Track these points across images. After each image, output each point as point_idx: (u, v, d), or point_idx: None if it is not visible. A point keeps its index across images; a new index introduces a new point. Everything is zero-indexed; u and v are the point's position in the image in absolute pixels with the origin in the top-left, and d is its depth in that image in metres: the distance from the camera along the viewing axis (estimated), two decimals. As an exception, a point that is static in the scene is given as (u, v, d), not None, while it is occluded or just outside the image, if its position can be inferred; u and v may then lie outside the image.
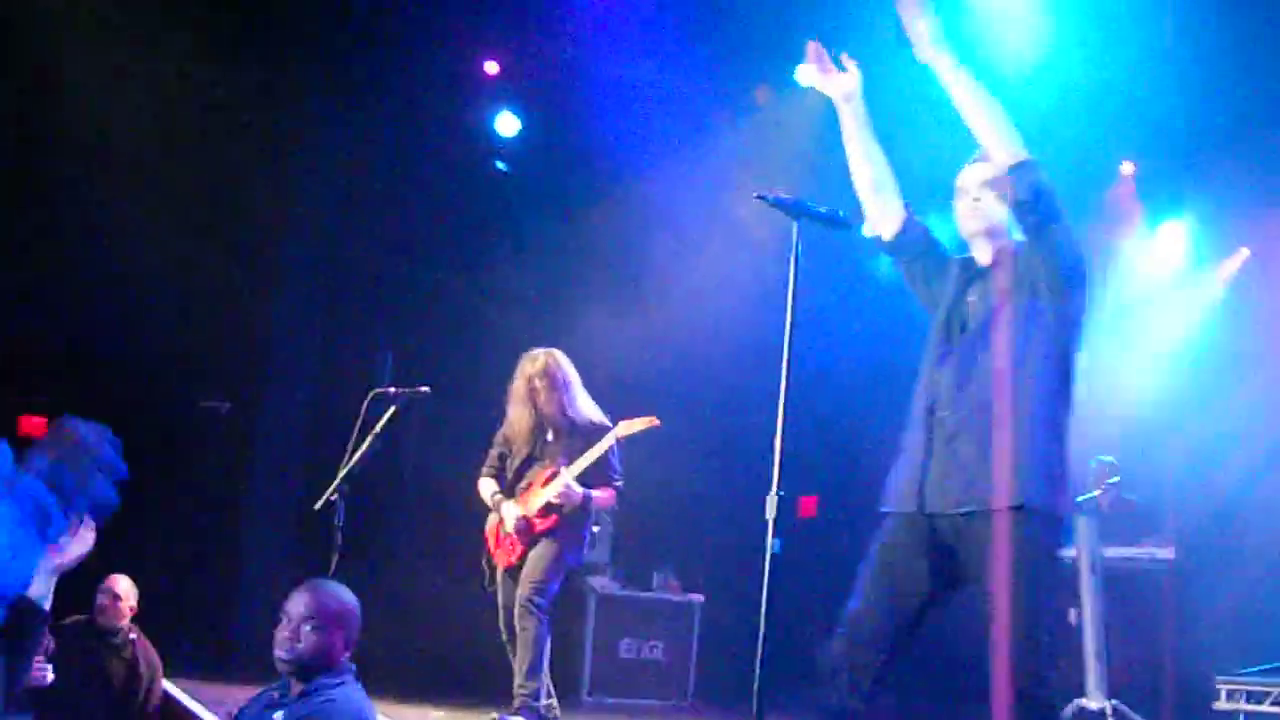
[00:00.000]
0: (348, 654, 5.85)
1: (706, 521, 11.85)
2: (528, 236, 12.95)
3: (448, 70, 12.46)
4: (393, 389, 8.90)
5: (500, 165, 13.04)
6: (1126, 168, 13.19)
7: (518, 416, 9.29)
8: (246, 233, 12.12)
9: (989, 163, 5.99)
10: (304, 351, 12.75)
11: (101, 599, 9.34)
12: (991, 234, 6.04)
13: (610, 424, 9.14)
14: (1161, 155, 12.46)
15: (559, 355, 9.31)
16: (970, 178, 6.08)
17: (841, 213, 6.22)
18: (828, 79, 6.25)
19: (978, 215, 6.04)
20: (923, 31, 5.92)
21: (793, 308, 5.93)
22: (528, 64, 12.53)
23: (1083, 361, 5.89)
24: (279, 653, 5.73)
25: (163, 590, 10.58)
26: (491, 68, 12.54)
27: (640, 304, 12.35)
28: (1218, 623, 10.75)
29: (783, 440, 5.91)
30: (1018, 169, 5.83)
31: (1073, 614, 10.15)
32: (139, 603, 9.50)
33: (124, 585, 9.40)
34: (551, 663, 8.97)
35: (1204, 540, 11.04)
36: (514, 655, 8.92)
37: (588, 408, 9.26)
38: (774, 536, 5.83)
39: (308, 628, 5.68)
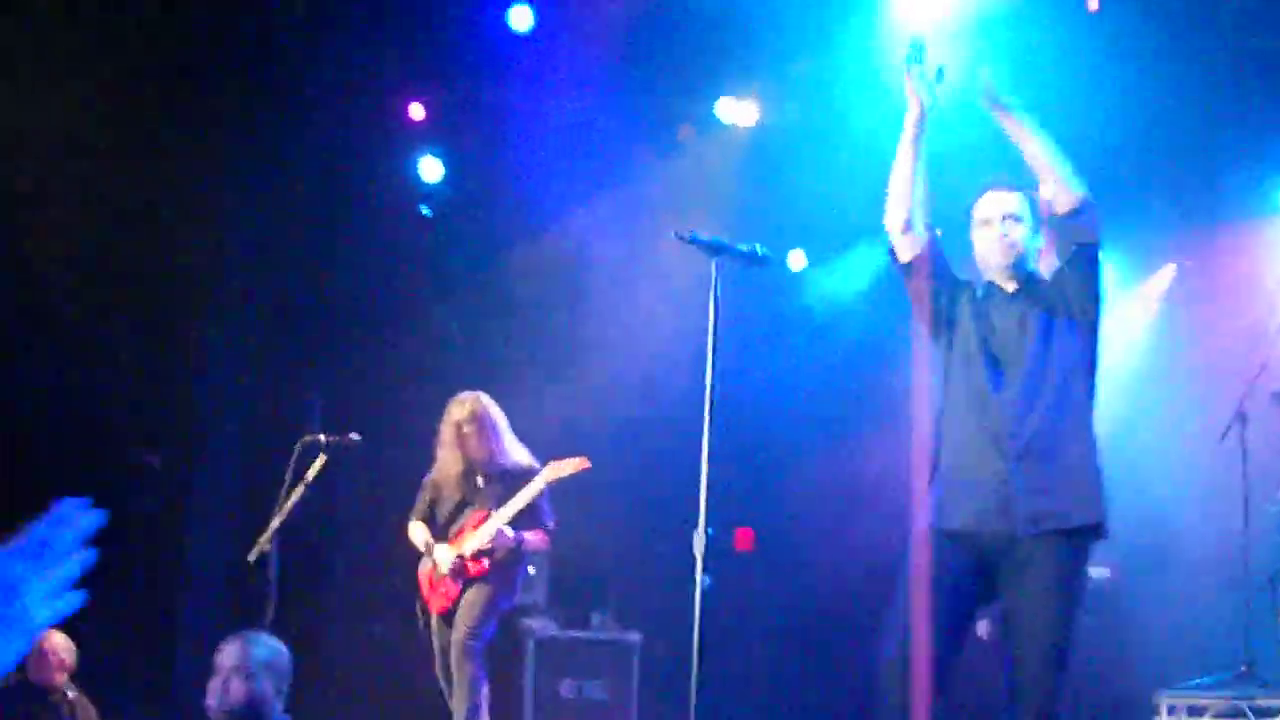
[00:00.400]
0: (281, 703, 5.84)
1: (644, 559, 11.84)
2: (455, 281, 12.92)
3: (373, 115, 12.43)
4: (323, 436, 8.89)
5: (425, 210, 13.01)
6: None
7: (446, 462, 9.29)
8: (173, 281, 12.05)
9: (1011, 192, 6.24)
10: (234, 401, 12.68)
11: (28, 658, 9.29)
12: (1019, 264, 6.21)
13: (540, 467, 9.14)
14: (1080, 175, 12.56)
15: (486, 399, 9.32)
16: (994, 209, 6.23)
17: (761, 250, 6.27)
18: (917, 83, 6.27)
19: (1007, 248, 6.20)
20: (985, 81, 6.11)
21: (714, 345, 5.97)
22: (452, 108, 12.52)
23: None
24: (209, 703, 5.76)
25: (100, 647, 10.51)
26: (416, 112, 12.51)
27: (569, 345, 12.34)
28: (1154, 638, 10.84)
29: (710, 477, 5.95)
30: (1085, 211, 6.11)
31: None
32: (78, 660, 9.46)
33: (53, 642, 9.33)
34: (492, 706, 8.97)
35: (1139, 557, 11.10)
36: (452, 700, 8.92)
37: (516, 451, 9.26)
38: (704, 572, 5.86)
39: (237, 678, 5.69)
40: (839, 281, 12.68)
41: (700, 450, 5.99)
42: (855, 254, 12.67)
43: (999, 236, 6.17)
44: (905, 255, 6.27)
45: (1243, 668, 10.01)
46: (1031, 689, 5.81)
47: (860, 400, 12.28)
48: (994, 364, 6.04)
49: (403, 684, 10.90)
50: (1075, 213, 6.08)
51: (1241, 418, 10.41)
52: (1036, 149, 6.08)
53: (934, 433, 6.22)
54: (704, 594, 5.84)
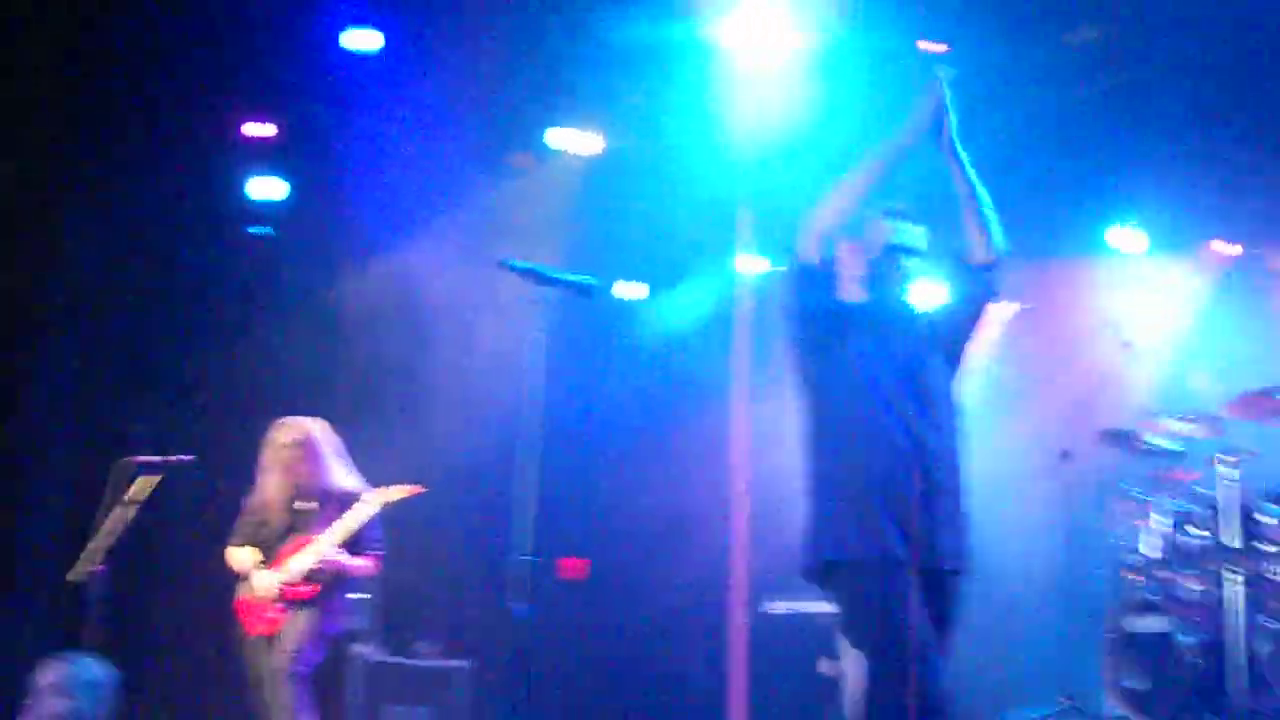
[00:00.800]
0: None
1: (474, 586, 11.80)
2: (291, 304, 12.81)
3: (210, 134, 12.29)
4: (153, 458, 8.78)
5: (263, 230, 12.89)
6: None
7: (272, 485, 9.20)
8: (1, 298, 11.88)
9: (918, 227, 6.25)
10: (63, 422, 12.51)
11: None
12: (908, 292, 6.22)
13: (369, 491, 9.08)
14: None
15: (315, 423, 9.25)
16: (911, 238, 6.23)
17: (585, 279, 6.27)
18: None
19: (905, 277, 6.19)
20: (948, 129, 6.13)
21: (540, 371, 5.97)
22: (295, 127, 12.40)
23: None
24: (25, 721, 5.67)
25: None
26: (256, 131, 12.36)
27: (403, 371, 12.29)
28: (979, 672, 10.92)
29: (542, 505, 5.95)
30: (997, 268, 6.20)
31: (826, 665, 10.28)
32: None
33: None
34: (317, 733, 8.88)
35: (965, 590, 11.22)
36: (273, 727, 8.81)
37: (345, 477, 9.20)
38: (523, 600, 5.86)
39: (55, 696, 5.63)
40: (676, 312, 12.73)
41: (530, 477, 5.99)
42: (692, 285, 12.73)
43: (905, 261, 6.19)
44: (813, 258, 6.15)
45: (1065, 701, 10.14)
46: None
47: (694, 430, 12.33)
48: (907, 388, 6.00)
49: (232, 709, 10.80)
50: (989, 266, 6.17)
51: (1065, 454, 10.55)
52: (975, 199, 6.15)
53: (823, 453, 6.07)
54: (523, 621, 5.83)
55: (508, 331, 10.42)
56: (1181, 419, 10.39)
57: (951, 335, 6.21)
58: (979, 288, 6.23)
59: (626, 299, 12.91)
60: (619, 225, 12.09)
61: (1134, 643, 9.99)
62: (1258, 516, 9.75)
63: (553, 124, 12.11)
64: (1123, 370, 11.35)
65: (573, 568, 11.76)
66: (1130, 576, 10.26)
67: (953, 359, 6.20)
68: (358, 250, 12.47)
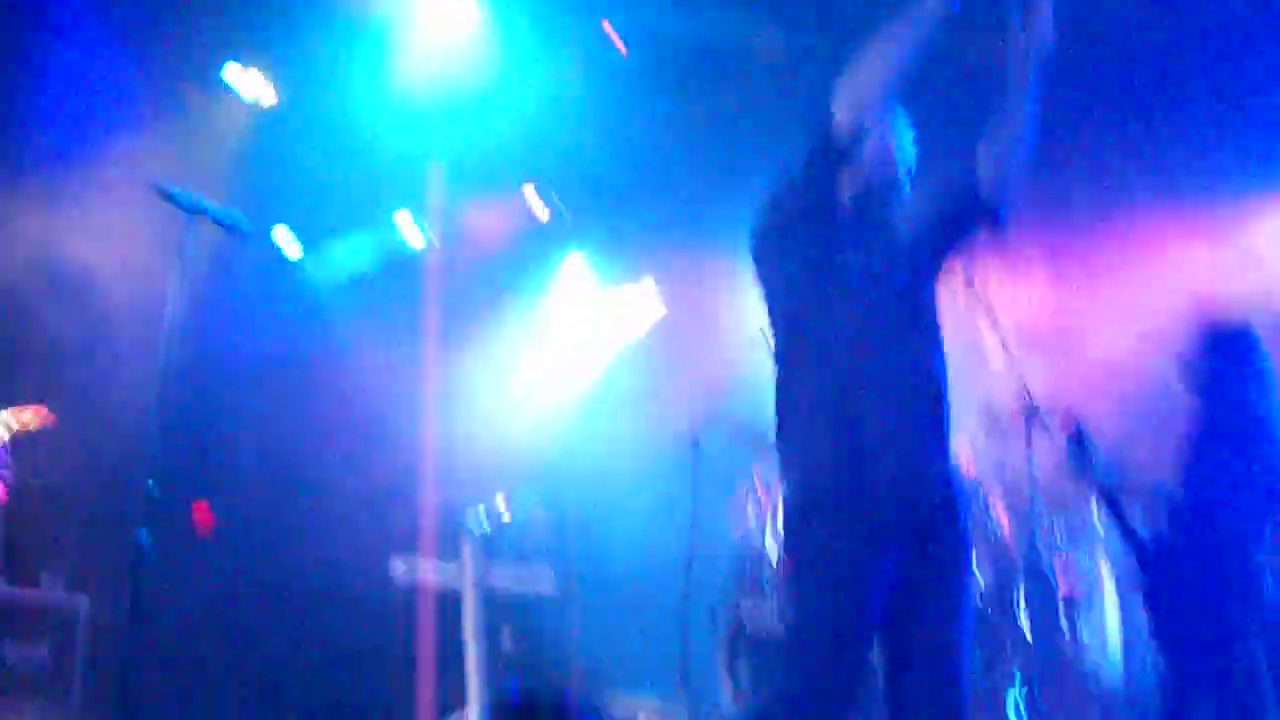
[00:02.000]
0: None
1: (105, 523, 11.64)
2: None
3: None
4: None
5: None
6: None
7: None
8: None
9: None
10: None
11: None
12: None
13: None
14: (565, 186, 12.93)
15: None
16: (912, 150, 5.56)
17: (241, 219, 6.27)
18: None
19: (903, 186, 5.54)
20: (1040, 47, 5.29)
21: (184, 299, 6.00)
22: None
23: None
24: None
25: None
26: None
27: (41, 307, 11.99)
28: (593, 657, 11.13)
29: (176, 449, 5.95)
30: (1005, 203, 5.49)
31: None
32: None
33: None
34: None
35: (584, 571, 11.42)
36: None
37: (-27, 401, 9.06)
38: (146, 528, 5.87)
39: None
40: (335, 267, 12.69)
41: (161, 410, 6.00)
42: (352, 241, 12.72)
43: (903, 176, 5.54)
44: (847, 137, 5.16)
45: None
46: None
47: (347, 390, 12.33)
48: (911, 323, 5.41)
49: None
50: (995, 200, 5.46)
51: (696, 444, 10.71)
52: (1027, 130, 5.35)
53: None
54: (145, 549, 5.82)
55: (156, 275, 10.36)
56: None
57: (934, 261, 5.52)
58: (977, 219, 5.52)
59: (285, 252, 12.81)
60: (286, 174, 11.99)
61: (748, 629, 10.27)
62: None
63: (227, 61, 11.88)
64: (756, 364, 11.64)
65: (201, 516, 11.65)
66: (750, 565, 10.56)
67: (934, 281, 5.52)
68: (31, 175, 12.10)
